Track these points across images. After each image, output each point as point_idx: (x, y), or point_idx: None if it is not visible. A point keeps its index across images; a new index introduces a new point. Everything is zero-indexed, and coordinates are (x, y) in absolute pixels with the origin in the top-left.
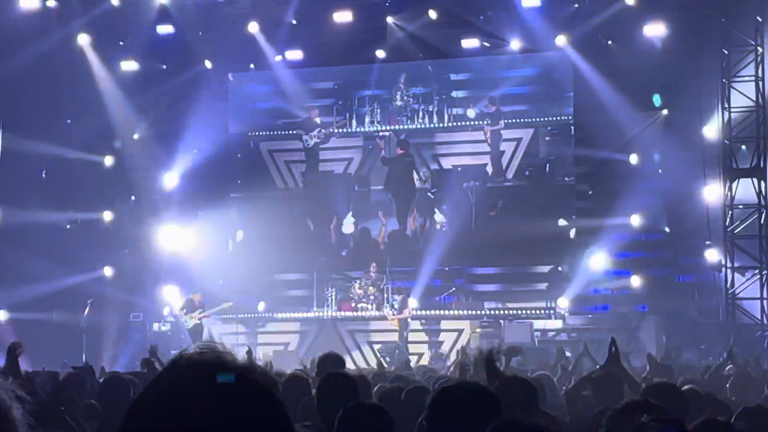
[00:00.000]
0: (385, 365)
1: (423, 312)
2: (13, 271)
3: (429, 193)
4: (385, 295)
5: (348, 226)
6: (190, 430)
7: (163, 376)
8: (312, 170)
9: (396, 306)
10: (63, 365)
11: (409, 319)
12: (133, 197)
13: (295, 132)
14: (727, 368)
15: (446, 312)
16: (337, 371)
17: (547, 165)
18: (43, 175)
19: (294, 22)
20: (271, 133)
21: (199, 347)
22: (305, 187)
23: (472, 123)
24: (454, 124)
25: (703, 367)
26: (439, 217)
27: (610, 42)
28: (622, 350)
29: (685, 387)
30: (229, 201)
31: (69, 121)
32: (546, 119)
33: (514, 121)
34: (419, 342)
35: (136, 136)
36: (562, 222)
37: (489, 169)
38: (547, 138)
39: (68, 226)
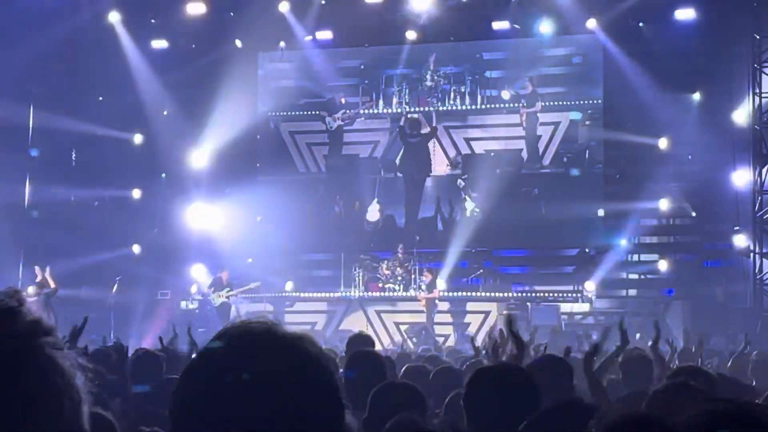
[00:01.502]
0: (412, 346)
1: (451, 293)
2: (42, 248)
3: (459, 180)
4: (413, 276)
5: (373, 213)
6: (240, 396)
7: (215, 344)
8: (335, 154)
9: (424, 287)
10: (90, 341)
11: (437, 300)
12: (164, 175)
13: (318, 113)
14: (754, 354)
15: (473, 293)
16: (365, 349)
17: (587, 151)
18: (73, 153)
19: (323, 2)
20: (292, 113)
21: (248, 318)
22: (328, 171)
23: (506, 105)
24: (488, 106)
25: (728, 353)
26: (470, 205)
27: (641, 24)
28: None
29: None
30: (257, 181)
31: (101, 98)
32: (577, 103)
33: (550, 104)
34: (446, 324)
35: (165, 113)
36: (590, 205)
37: (524, 154)
38: (587, 122)
39: (96, 203)
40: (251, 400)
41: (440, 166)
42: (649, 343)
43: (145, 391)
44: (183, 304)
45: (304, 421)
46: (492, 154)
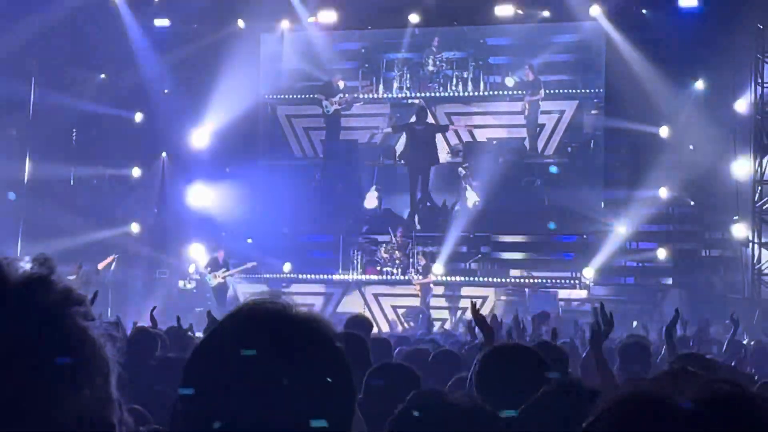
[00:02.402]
0: (401, 328)
1: (448, 278)
2: (41, 224)
3: (460, 168)
4: (411, 260)
5: (371, 200)
6: (252, 376)
7: (228, 322)
8: (332, 138)
9: (421, 270)
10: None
11: (431, 285)
12: (164, 154)
13: (315, 97)
14: (752, 343)
15: (470, 278)
16: (349, 332)
17: (592, 141)
18: (74, 130)
19: None
20: (290, 97)
21: (259, 298)
22: (325, 157)
23: (510, 93)
24: (491, 93)
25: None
26: (471, 195)
27: (644, 12)
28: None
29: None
30: (257, 162)
31: (103, 76)
32: (579, 90)
33: (553, 91)
34: (443, 308)
35: (166, 92)
36: (591, 192)
37: (527, 143)
38: (593, 111)
39: (94, 182)
40: (264, 380)
41: (441, 153)
42: (664, 327)
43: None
44: (181, 283)
45: (318, 402)
46: (494, 142)
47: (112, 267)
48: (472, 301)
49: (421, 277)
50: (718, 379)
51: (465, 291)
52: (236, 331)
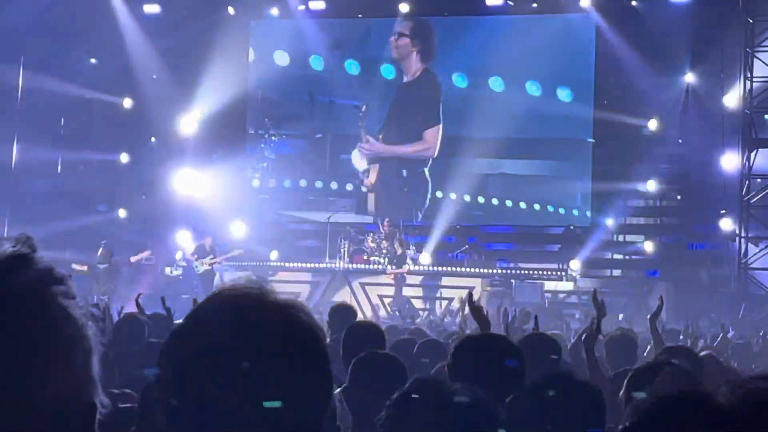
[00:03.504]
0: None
1: (435, 268)
2: (27, 209)
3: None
4: (405, 250)
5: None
6: (228, 362)
7: (204, 307)
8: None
9: (395, 261)
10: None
11: (405, 275)
12: (153, 139)
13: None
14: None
15: (454, 269)
16: (365, 321)
17: (581, 133)
18: (61, 115)
19: None
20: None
21: (237, 283)
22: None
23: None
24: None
25: (711, 335)
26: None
27: (634, 4)
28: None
29: (703, 353)
30: (245, 149)
31: (94, 60)
32: (568, 82)
33: (542, 82)
34: (429, 298)
35: (154, 77)
36: (578, 184)
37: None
38: (581, 103)
39: (82, 167)
40: (240, 365)
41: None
42: (648, 316)
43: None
44: (167, 270)
45: (294, 389)
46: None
47: (99, 253)
48: (468, 292)
49: (394, 267)
50: (754, 378)
51: (451, 281)
52: (212, 316)
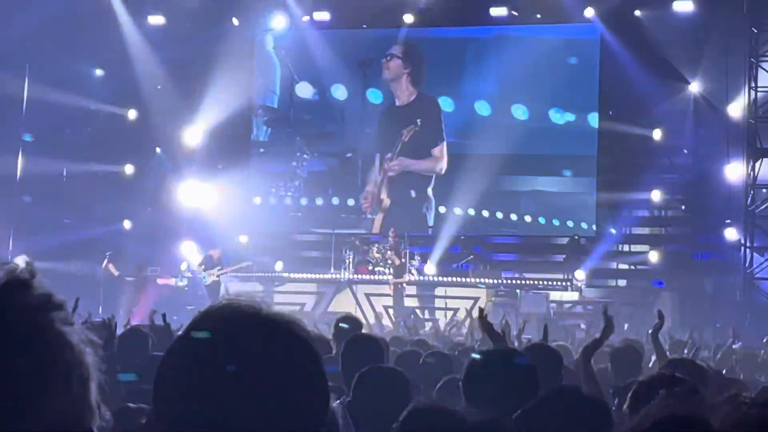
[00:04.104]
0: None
1: (440, 278)
2: (32, 220)
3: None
4: (404, 260)
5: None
6: (224, 379)
7: (200, 324)
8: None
9: (394, 271)
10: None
11: (405, 284)
12: (158, 149)
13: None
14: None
15: (459, 279)
16: (365, 334)
17: (586, 143)
18: (66, 126)
19: None
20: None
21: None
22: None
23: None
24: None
25: (715, 345)
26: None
27: (639, 15)
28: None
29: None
30: (250, 161)
31: (99, 72)
32: (573, 92)
33: (546, 93)
34: (435, 308)
35: (159, 87)
36: (583, 194)
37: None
38: (587, 113)
39: (87, 178)
40: (235, 383)
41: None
42: (650, 331)
43: (131, 379)
44: (173, 281)
45: (290, 406)
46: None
47: (104, 265)
48: (479, 307)
49: (393, 277)
50: (752, 403)
51: (457, 292)
52: (208, 333)
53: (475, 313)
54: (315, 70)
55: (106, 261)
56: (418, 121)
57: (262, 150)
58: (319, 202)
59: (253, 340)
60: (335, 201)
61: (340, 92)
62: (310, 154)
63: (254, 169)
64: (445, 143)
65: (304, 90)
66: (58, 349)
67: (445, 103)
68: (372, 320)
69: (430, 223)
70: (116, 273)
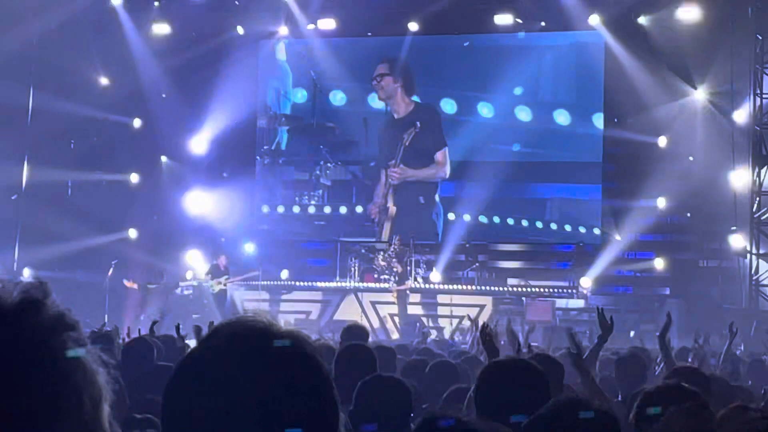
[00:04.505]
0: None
1: (445, 286)
2: (37, 230)
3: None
4: (409, 268)
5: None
6: (232, 397)
7: (209, 342)
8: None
9: (396, 279)
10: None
11: (408, 291)
12: (163, 158)
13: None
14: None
15: (465, 287)
16: (357, 343)
17: (591, 151)
18: (71, 135)
19: None
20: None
21: (240, 315)
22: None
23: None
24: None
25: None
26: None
27: (643, 22)
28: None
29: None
30: (255, 168)
31: (102, 81)
32: (578, 99)
33: (551, 100)
34: (440, 316)
35: (163, 96)
36: (589, 201)
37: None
38: (592, 121)
39: (92, 187)
40: (243, 401)
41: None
42: (657, 333)
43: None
44: (178, 290)
45: (299, 421)
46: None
47: (110, 273)
48: (484, 322)
49: (395, 285)
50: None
51: (462, 299)
52: (216, 350)
53: (480, 323)
54: (338, 78)
55: (111, 270)
56: (418, 123)
57: (282, 160)
58: (343, 210)
59: (260, 359)
60: (359, 209)
61: (364, 100)
62: (333, 162)
63: (272, 177)
64: (446, 149)
65: (334, 97)
66: (71, 370)
67: (448, 105)
68: (378, 328)
69: (440, 229)
70: (134, 285)
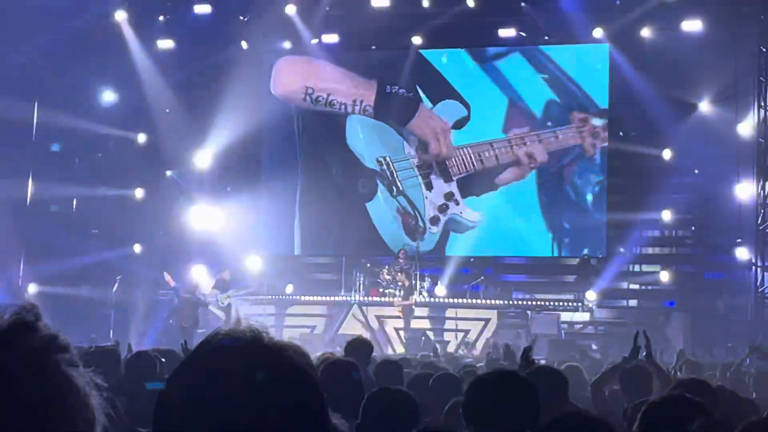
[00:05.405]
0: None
1: (451, 300)
2: (42, 245)
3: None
4: (414, 281)
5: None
6: (222, 407)
7: (198, 353)
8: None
9: (401, 293)
10: (91, 340)
11: (413, 306)
12: (169, 172)
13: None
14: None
15: (470, 300)
16: (341, 358)
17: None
18: (76, 151)
19: (327, 9)
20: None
21: (231, 327)
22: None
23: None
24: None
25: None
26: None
27: (647, 36)
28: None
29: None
30: (260, 183)
31: (109, 96)
32: (582, 112)
33: (556, 113)
34: (446, 330)
35: (168, 111)
36: (593, 214)
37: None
38: (596, 133)
39: (97, 202)
40: (233, 411)
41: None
42: (643, 354)
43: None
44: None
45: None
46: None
47: (115, 289)
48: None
49: (400, 299)
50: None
51: (467, 313)
52: (206, 361)
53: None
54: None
55: (117, 285)
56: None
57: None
58: None
59: (249, 369)
60: None
61: None
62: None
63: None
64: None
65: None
66: (63, 392)
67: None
68: (383, 342)
69: (445, 243)
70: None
